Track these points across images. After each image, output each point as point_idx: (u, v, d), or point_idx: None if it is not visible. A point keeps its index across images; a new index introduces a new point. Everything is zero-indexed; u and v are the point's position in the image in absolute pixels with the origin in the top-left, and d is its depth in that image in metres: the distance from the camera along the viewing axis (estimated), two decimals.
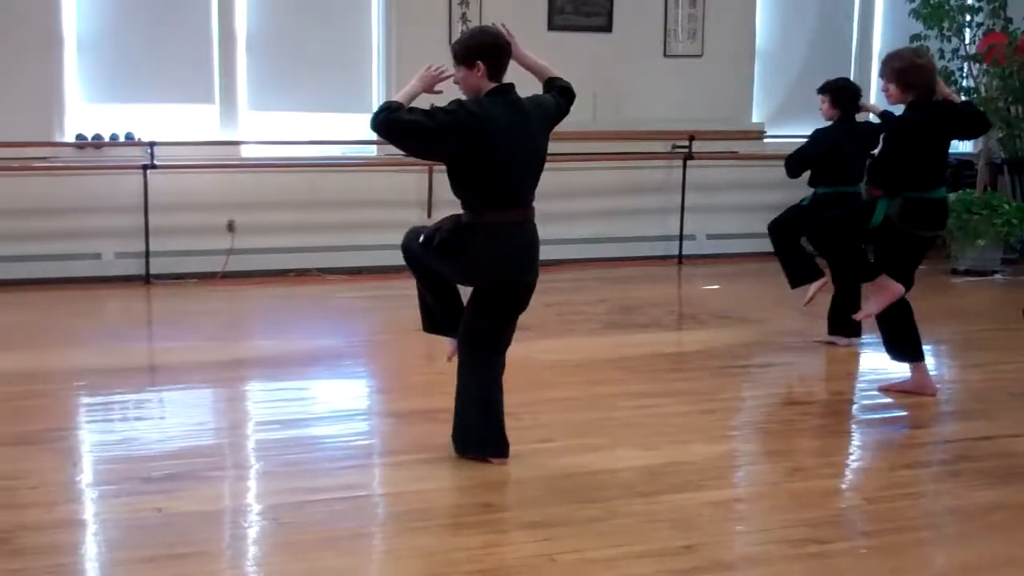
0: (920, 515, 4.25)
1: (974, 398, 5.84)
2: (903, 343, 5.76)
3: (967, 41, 10.07)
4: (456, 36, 9.57)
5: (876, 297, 5.70)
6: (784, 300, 7.58)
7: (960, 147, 10.92)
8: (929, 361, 6.07)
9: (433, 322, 4.92)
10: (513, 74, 4.67)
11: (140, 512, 4.16)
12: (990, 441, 5.07)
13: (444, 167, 4.55)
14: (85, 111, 8.90)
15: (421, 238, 4.54)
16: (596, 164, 9.89)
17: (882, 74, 5.66)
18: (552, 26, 9.86)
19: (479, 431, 4.64)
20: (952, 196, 9.69)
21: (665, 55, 10.27)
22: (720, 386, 6.10)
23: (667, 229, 10.21)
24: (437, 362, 6.72)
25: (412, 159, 7.57)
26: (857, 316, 6.00)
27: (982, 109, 6.14)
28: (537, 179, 4.60)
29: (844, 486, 4.69)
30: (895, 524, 4.16)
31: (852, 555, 4.01)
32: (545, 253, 9.57)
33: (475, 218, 4.48)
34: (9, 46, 8.53)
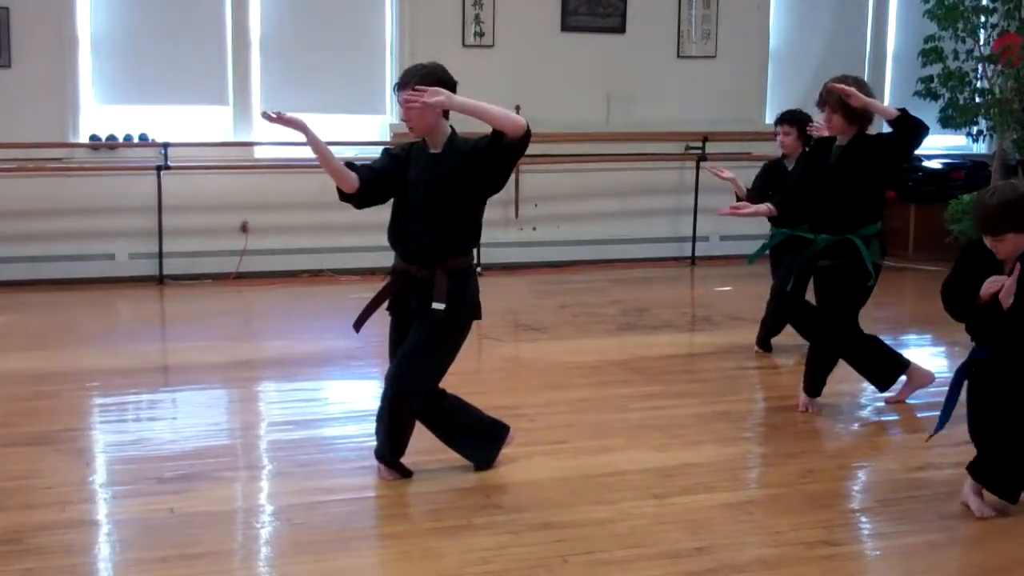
0: (934, 517, 4.23)
1: None
2: (884, 369, 5.69)
3: (982, 42, 10.03)
4: (470, 38, 9.68)
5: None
6: None
7: (974, 148, 10.89)
8: (943, 363, 6.05)
9: (400, 449, 4.56)
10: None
11: (153, 512, 4.17)
12: None
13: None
14: (99, 112, 8.94)
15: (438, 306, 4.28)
16: (609, 165, 9.89)
17: (824, 104, 5.26)
18: (565, 27, 9.87)
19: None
20: (966, 197, 9.68)
21: (678, 56, 10.26)
22: (733, 388, 6.08)
23: (680, 230, 10.20)
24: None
25: None
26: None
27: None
28: None
29: (857, 488, 4.68)
30: (909, 526, 4.14)
31: (866, 557, 4.00)
32: (558, 254, 9.79)
33: (469, 256, 4.45)
34: (24, 47, 8.57)
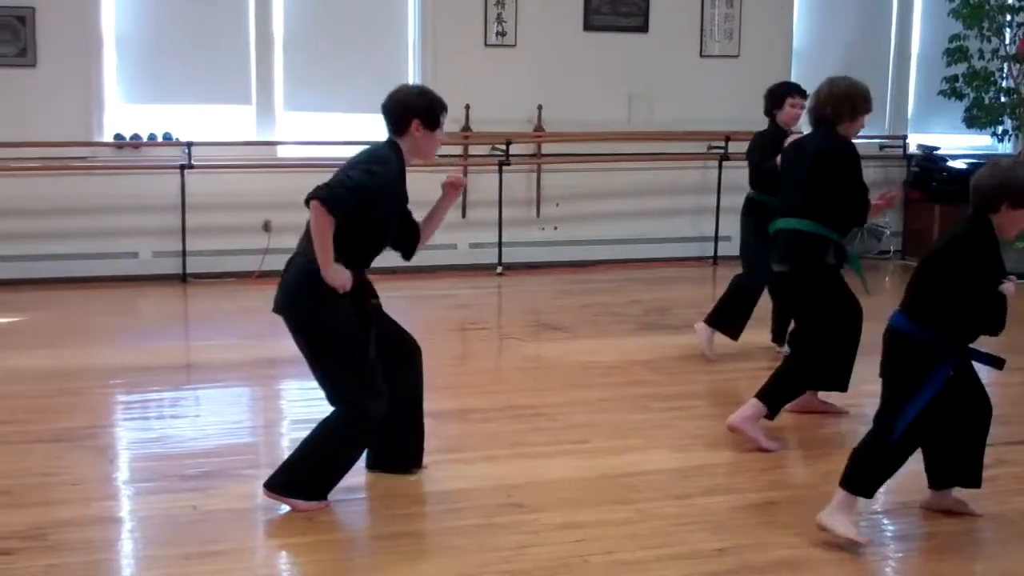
0: (957, 520, 4.21)
1: (1011, 402, 5.76)
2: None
3: (1007, 41, 9.97)
4: (492, 37, 9.67)
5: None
6: None
7: (999, 148, 10.82)
8: None
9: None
10: None
11: (175, 509, 4.19)
12: None
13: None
14: (124, 111, 8.97)
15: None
16: (631, 165, 9.86)
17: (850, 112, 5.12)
18: (588, 26, 9.85)
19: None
20: None
21: (701, 55, 10.23)
22: (754, 388, 6.02)
23: (702, 230, 10.17)
24: (470, 363, 6.75)
25: (447, 159, 7.65)
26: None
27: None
28: None
29: (880, 489, 4.64)
30: (932, 528, 4.13)
31: (888, 560, 3.98)
32: (579, 254, 9.79)
33: None
34: (49, 47, 8.62)
